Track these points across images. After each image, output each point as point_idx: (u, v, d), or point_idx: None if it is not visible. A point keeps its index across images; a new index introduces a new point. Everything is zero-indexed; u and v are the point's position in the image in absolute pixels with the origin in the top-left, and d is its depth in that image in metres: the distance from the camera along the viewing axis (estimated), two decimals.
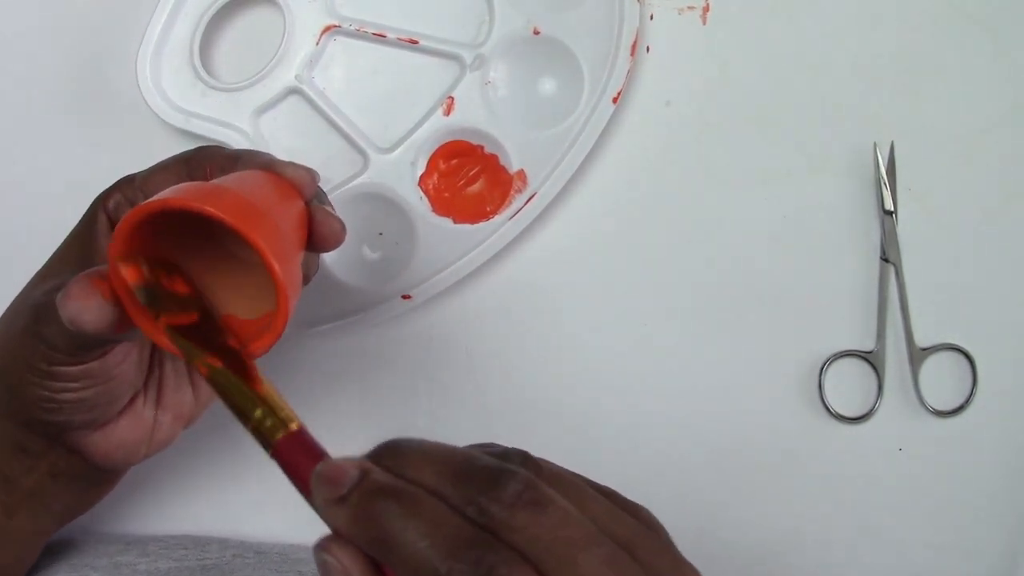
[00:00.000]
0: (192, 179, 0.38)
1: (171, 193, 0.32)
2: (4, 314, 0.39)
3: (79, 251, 0.38)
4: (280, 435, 0.29)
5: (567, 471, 0.29)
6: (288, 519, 0.50)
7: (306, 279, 0.39)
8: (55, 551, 0.44)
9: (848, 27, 0.50)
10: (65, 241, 0.39)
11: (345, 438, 0.50)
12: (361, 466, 0.27)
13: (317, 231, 0.37)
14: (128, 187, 0.38)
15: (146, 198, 0.37)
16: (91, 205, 0.39)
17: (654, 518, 0.29)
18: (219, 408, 0.49)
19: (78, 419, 0.36)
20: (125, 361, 0.37)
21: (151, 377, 0.39)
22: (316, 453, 0.29)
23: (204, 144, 0.40)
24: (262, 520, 0.50)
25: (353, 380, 0.50)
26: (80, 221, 0.39)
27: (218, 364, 0.32)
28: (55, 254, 0.40)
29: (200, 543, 0.47)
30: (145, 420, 0.39)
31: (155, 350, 0.39)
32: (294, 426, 0.29)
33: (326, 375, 0.51)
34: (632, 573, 0.26)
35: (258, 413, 0.30)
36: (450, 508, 0.26)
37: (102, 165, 0.51)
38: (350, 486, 0.27)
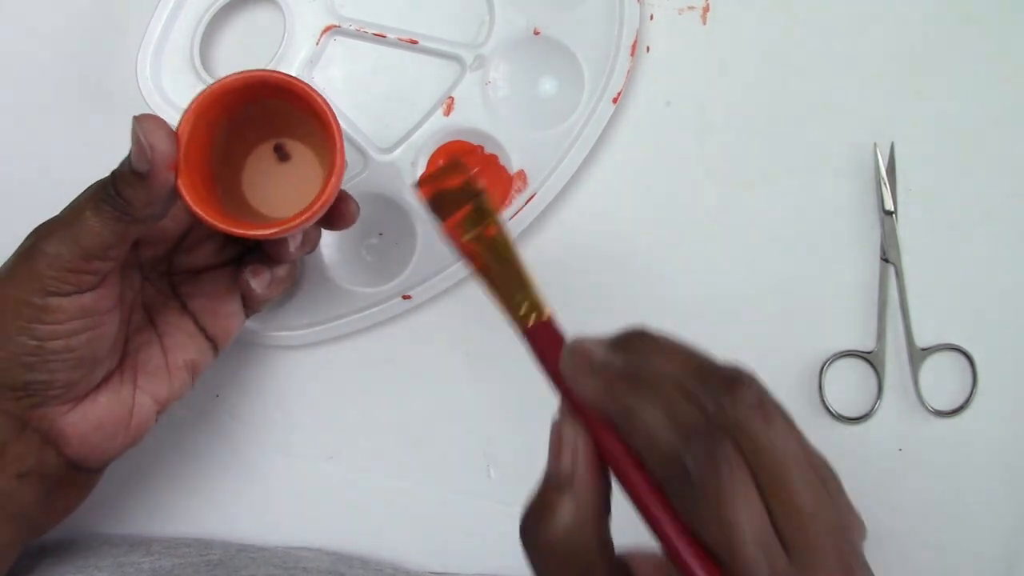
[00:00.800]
0: None
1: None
2: None
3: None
4: (534, 319, 0.33)
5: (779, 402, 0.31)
6: (290, 522, 0.50)
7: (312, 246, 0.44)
8: (60, 553, 0.44)
9: (848, 27, 0.50)
10: None
11: (345, 438, 0.51)
12: (608, 344, 0.31)
13: (338, 207, 0.41)
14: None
15: None
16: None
17: (835, 470, 0.31)
18: (220, 409, 0.49)
19: (60, 378, 0.36)
20: (112, 310, 0.37)
21: (127, 361, 0.40)
22: (561, 339, 0.33)
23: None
24: (265, 523, 0.50)
25: (353, 380, 0.50)
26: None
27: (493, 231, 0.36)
28: None
29: (204, 543, 0.48)
30: (124, 398, 0.39)
31: (129, 331, 0.40)
32: (548, 312, 0.34)
33: (326, 375, 0.51)
34: (824, 500, 0.28)
35: (518, 297, 0.34)
36: (689, 398, 0.29)
37: (102, 164, 0.51)
38: (600, 362, 0.30)
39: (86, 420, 0.38)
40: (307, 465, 0.50)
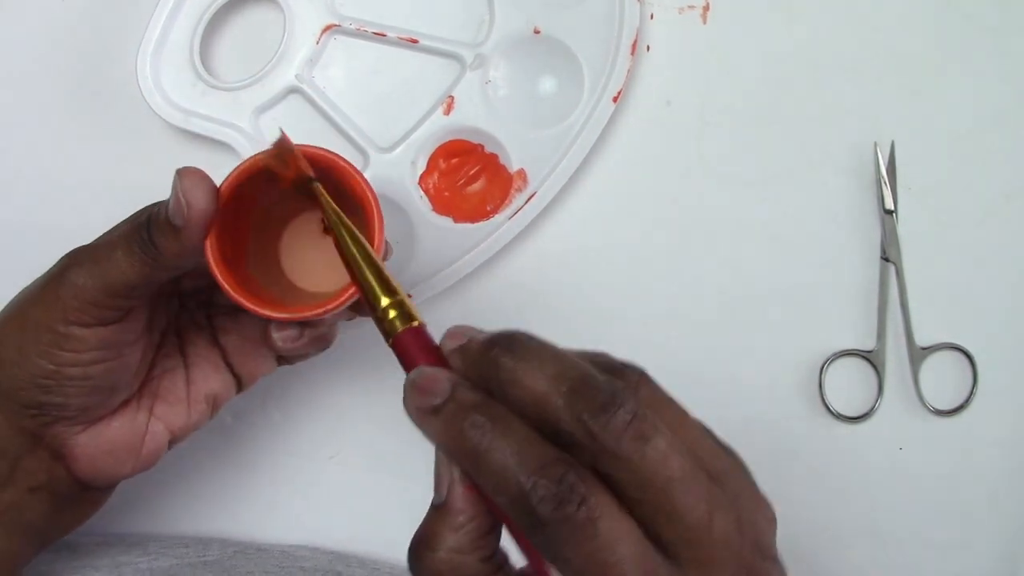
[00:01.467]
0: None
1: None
2: (12, 300, 0.38)
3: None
4: (402, 328, 0.31)
5: (671, 398, 0.30)
6: (290, 522, 0.50)
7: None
8: (56, 552, 0.44)
9: (848, 27, 0.50)
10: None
11: (345, 438, 0.51)
12: (452, 378, 0.29)
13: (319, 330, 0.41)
14: None
15: None
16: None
17: (739, 457, 0.30)
18: (223, 412, 0.49)
19: (75, 403, 0.36)
20: (135, 342, 0.37)
21: (148, 386, 0.39)
22: (432, 350, 0.31)
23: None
24: (264, 522, 0.50)
25: (353, 379, 0.50)
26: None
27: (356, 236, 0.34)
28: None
29: (201, 542, 0.47)
30: (137, 425, 0.39)
31: (156, 356, 0.39)
32: (416, 323, 0.31)
33: (326, 375, 0.50)
34: (721, 507, 0.27)
35: (386, 301, 0.31)
36: (545, 423, 0.27)
37: (102, 164, 0.51)
38: (442, 398, 0.28)
39: (96, 443, 0.38)
40: (307, 465, 0.50)
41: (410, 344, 0.31)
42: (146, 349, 0.38)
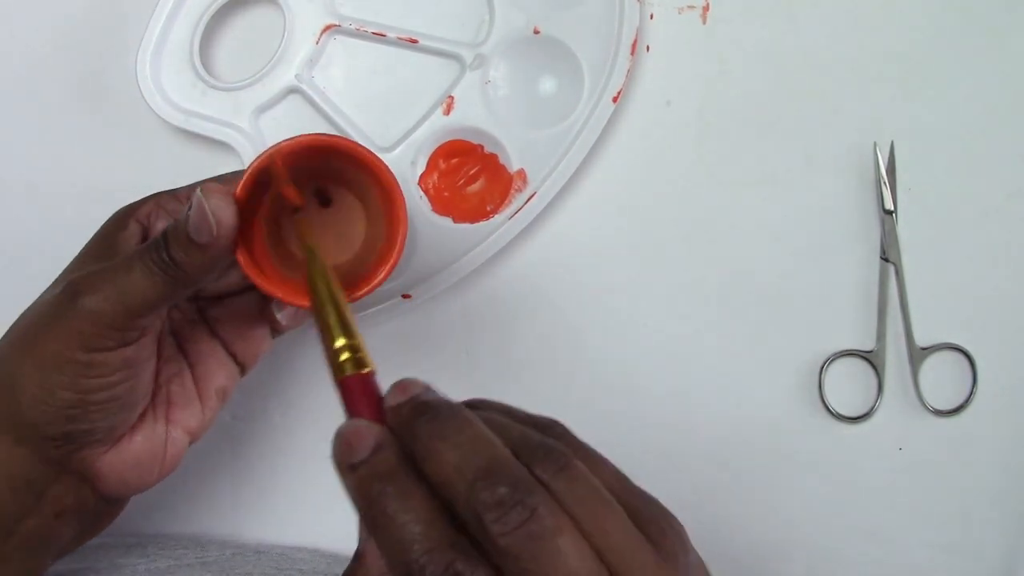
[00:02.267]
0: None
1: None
2: (12, 331, 0.37)
3: (99, 254, 0.38)
4: (351, 372, 0.31)
5: (601, 469, 0.29)
6: (289, 522, 0.50)
7: None
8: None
9: (848, 27, 0.50)
10: (83, 252, 0.39)
11: None
12: (378, 439, 0.29)
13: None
14: (167, 200, 0.39)
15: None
16: (114, 217, 0.39)
17: (672, 539, 0.29)
18: (223, 412, 0.49)
19: (101, 426, 0.36)
20: (150, 357, 0.37)
21: (159, 394, 0.39)
22: (374, 400, 0.31)
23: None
24: (263, 523, 0.50)
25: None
26: (100, 234, 0.39)
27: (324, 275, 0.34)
28: (73, 263, 0.39)
29: (200, 543, 0.47)
30: (158, 434, 0.39)
31: (160, 367, 0.39)
32: (367, 370, 0.31)
33: (326, 375, 0.50)
34: (638, 542, 0.27)
35: (340, 342, 0.32)
36: (451, 505, 0.27)
37: (102, 164, 0.51)
38: (361, 458, 0.28)
39: (122, 460, 0.38)
40: (307, 465, 0.50)
41: (355, 390, 0.31)
42: (153, 367, 0.38)
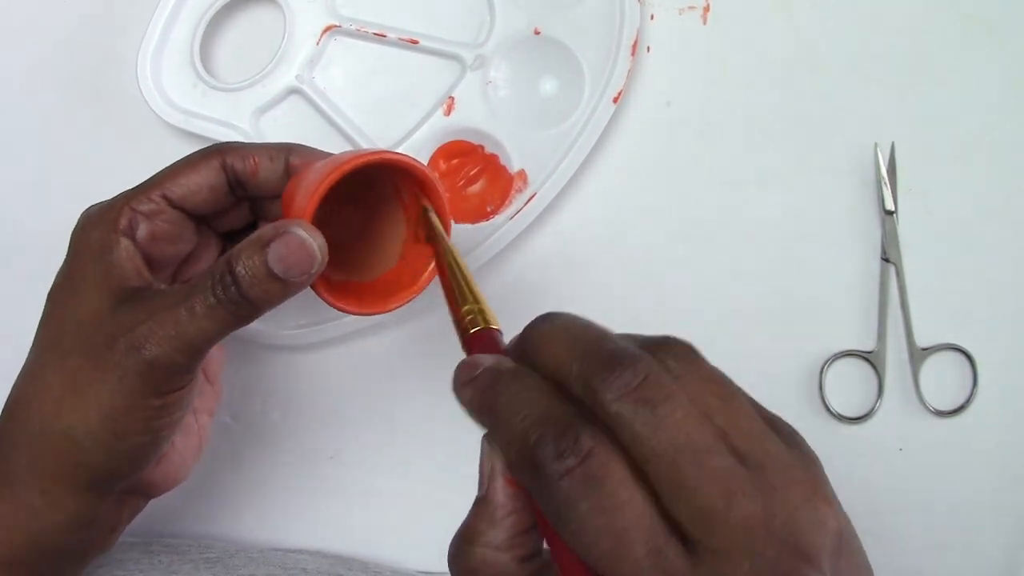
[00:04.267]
0: (227, 175, 0.38)
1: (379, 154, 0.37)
2: (52, 386, 0.35)
3: (106, 282, 0.36)
4: (480, 328, 0.32)
5: (723, 375, 0.28)
6: (290, 522, 0.50)
7: None
8: None
9: (848, 27, 0.50)
10: (68, 274, 0.37)
11: (345, 438, 0.51)
12: (496, 358, 0.29)
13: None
14: (138, 202, 0.37)
15: (170, 202, 0.37)
16: (91, 232, 0.37)
17: (804, 444, 0.28)
18: (220, 409, 0.49)
19: (163, 449, 0.36)
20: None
21: None
22: (499, 351, 0.31)
23: (217, 142, 0.39)
24: (265, 522, 0.50)
25: (353, 380, 0.50)
26: (85, 257, 0.36)
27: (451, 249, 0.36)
28: (63, 287, 0.37)
29: (203, 542, 0.48)
30: (190, 427, 0.40)
31: None
32: (495, 325, 0.33)
33: (326, 375, 0.50)
34: (745, 492, 0.25)
35: (468, 306, 0.33)
36: (561, 387, 0.27)
37: (102, 164, 0.51)
38: (480, 371, 0.29)
39: (170, 463, 0.38)
40: (307, 465, 0.50)
41: (482, 345, 0.32)
42: None
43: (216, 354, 0.41)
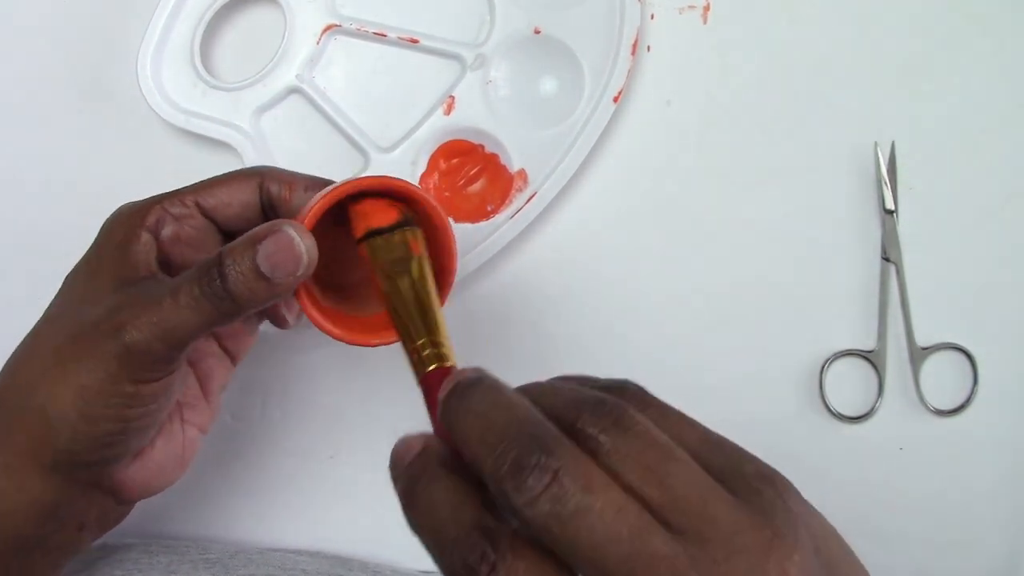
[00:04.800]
0: (262, 196, 0.38)
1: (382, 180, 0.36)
2: (37, 356, 0.36)
3: (116, 270, 0.36)
4: (433, 367, 0.31)
5: (661, 436, 0.26)
6: (290, 522, 0.50)
7: None
8: None
9: (849, 27, 0.50)
10: (88, 259, 0.38)
11: (345, 438, 0.51)
12: (424, 443, 0.28)
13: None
14: (171, 203, 0.37)
15: (203, 211, 0.38)
16: (120, 222, 0.37)
17: (771, 493, 0.25)
18: (220, 409, 0.49)
19: (134, 446, 0.36)
20: (182, 375, 0.37)
21: None
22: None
23: (259, 165, 0.40)
24: (265, 523, 0.50)
25: (353, 380, 0.50)
26: (109, 242, 0.37)
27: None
28: (80, 270, 0.38)
29: (203, 543, 0.48)
30: (175, 438, 0.39)
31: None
32: (449, 364, 0.31)
33: (326, 375, 0.50)
34: (712, 496, 0.24)
35: (422, 340, 0.32)
36: (477, 488, 0.26)
37: (103, 164, 0.51)
38: (407, 462, 0.28)
39: (147, 469, 0.38)
40: (307, 465, 0.50)
41: (433, 387, 0.31)
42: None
43: (219, 370, 0.41)
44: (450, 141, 0.49)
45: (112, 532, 0.49)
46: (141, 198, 0.39)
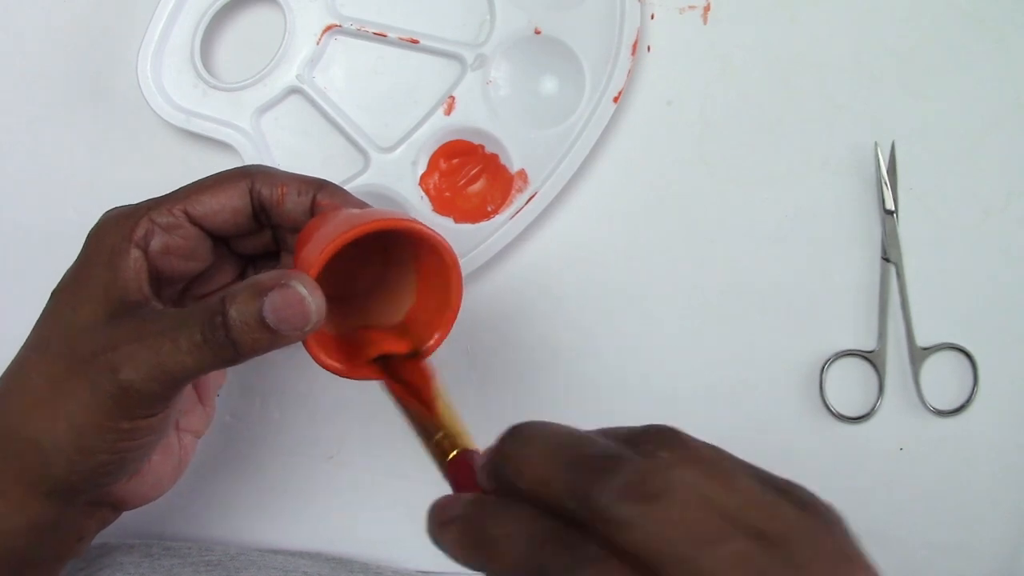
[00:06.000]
0: (253, 199, 0.37)
1: (390, 217, 0.36)
2: (27, 388, 0.35)
3: (107, 291, 0.35)
4: (457, 453, 0.31)
5: (718, 451, 0.26)
6: (290, 522, 0.50)
7: None
8: None
9: (849, 27, 0.50)
10: (76, 275, 0.36)
11: (345, 438, 0.51)
12: (474, 496, 0.28)
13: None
14: (158, 214, 0.36)
15: (190, 218, 0.37)
16: (107, 236, 0.36)
17: (821, 504, 0.26)
18: (221, 409, 0.49)
19: (131, 469, 0.36)
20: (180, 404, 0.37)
21: None
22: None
23: (249, 164, 0.39)
24: (265, 523, 0.50)
25: (353, 380, 0.50)
26: (96, 259, 0.36)
27: (404, 388, 0.34)
28: (68, 288, 0.36)
29: (203, 544, 0.48)
30: (172, 447, 0.39)
31: None
32: (471, 446, 0.31)
33: (326, 374, 0.50)
34: (772, 573, 0.23)
35: (439, 435, 0.32)
36: (555, 507, 0.25)
37: (103, 164, 0.51)
38: (455, 515, 0.27)
39: (144, 481, 0.37)
40: (307, 465, 0.50)
41: (461, 472, 0.31)
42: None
43: (214, 373, 0.40)
44: (450, 141, 0.49)
45: (113, 532, 0.49)
46: (127, 210, 0.37)
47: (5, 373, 0.36)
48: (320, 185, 0.38)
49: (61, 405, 0.33)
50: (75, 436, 0.33)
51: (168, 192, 0.37)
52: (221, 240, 0.38)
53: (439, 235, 0.36)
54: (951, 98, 0.50)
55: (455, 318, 0.37)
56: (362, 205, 0.38)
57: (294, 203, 0.37)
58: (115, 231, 0.36)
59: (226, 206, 0.37)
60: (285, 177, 0.37)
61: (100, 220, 0.37)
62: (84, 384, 0.33)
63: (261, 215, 0.38)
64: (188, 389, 0.40)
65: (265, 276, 0.33)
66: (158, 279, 0.37)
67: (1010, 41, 0.50)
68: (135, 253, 0.35)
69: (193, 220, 0.37)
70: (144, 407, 0.34)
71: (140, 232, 0.36)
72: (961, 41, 0.50)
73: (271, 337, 0.33)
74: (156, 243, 0.36)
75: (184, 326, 0.33)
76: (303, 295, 0.33)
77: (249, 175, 0.37)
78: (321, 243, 0.34)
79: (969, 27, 0.50)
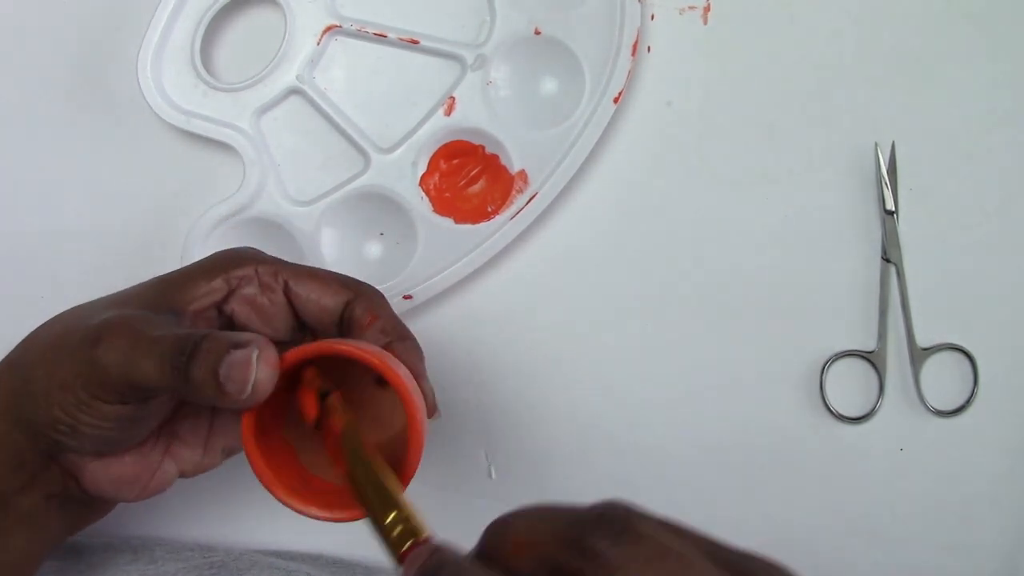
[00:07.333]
0: (345, 309, 0.38)
1: (362, 346, 0.35)
2: (57, 323, 0.37)
3: (163, 299, 0.37)
4: (409, 544, 0.30)
5: (670, 535, 0.27)
6: (292, 523, 0.50)
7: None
8: (63, 559, 0.44)
9: (848, 27, 0.50)
10: (153, 282, 0.38)
11: None
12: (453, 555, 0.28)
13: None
14: (266, 271, 0.38)
15: (287, 292, 0.38)
16: (207, 262, 0.38)
17: (779, 574, 0.26)
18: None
19: (88, 448, 0.36)
20: (149, 418, 0.37)
21: (169, 424, 0.39)
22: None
23: (364, 283, 0.39)
24: (267, 524, 0.50)
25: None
26: (181, 271, 0.38)
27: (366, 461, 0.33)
28: (136, 288, 0.38)
29: (207, 547, 0.47)
30: (150, 462, 0.39)
31: (180, 405, 0.39)
32: (423, 536, 0.30)
33: None
34: None
35: (391, 517, 0.31)
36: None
37: (103, 165, 0.51)
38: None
39: (105, 472, 0.37)
40: None
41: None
42: (168, 407, 0.38)
43: (231, 428, 0.40)
44: (450, 142, 0.49)
45: (114, 533, 0.49)
46: (243, 253, 0.39)
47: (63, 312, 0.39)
48: (404, 336, 0.38)
49: (55, 351, 0.35)
50: (49, 382, 0.35)
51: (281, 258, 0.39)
52: (301, 320, 0.39)
53: (397, 372, 0.35)
54: (951, 98, 0.50)
55: (414, 471, 0.36)
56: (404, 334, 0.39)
57: (372, 337, 0.38)
58: (224, 263, 0.38)
59: (324, 302, 0.38)
60: (384, 312, 0.38)
61: (232, 249, 0.39)
62: (72, 343, 0.35)
63: (344, 324, 0.38)
64: (201, 424, 0.40)
65: (249, 335, 0.34)
66: (225, 316, 0.38)
67: (1011, 41, 0.50)
68: (218, 283, 0.37)
69: (288, 293, 0.38)
70: (104, 391, 0.34)
71: (239, 273, 0.38)
72: (961, 41, 0.50)
73: (216, 388, 0.33)
74: (247, 291, 0.38)
75: (164, 341, 0.34)
76: (251, 358, 0.33)
77: (356, 289, 0.38)
78: (307, 350, 0.35)
79: (969, 27, 0.50)
